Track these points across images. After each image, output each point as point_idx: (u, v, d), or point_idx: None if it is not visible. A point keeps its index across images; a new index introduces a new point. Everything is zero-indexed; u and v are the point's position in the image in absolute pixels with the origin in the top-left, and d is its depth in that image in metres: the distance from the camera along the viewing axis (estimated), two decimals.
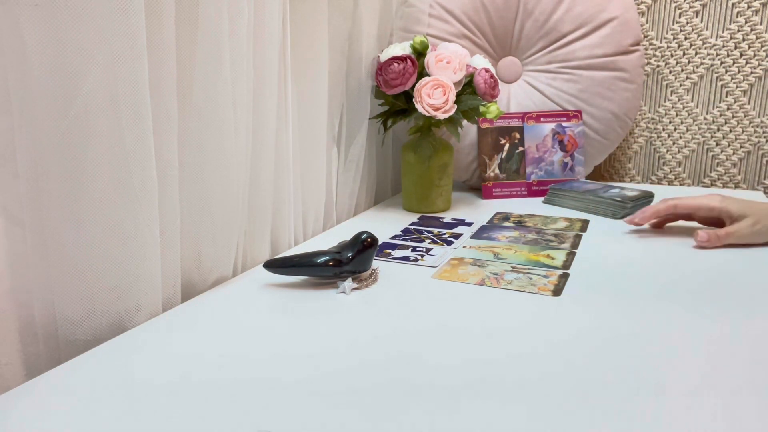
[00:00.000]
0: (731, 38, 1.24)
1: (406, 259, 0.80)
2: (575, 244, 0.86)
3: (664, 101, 1.32)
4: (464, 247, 0.85)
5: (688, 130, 1.31)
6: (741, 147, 1.28)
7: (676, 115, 1.32)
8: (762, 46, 1.22)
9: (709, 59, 1.26)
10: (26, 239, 0.54)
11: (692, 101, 1.30)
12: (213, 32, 0.65)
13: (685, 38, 1.27)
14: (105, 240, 0.56)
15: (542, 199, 1.15)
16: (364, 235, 0.69)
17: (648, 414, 0.44)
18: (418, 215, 1.05)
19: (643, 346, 0.54)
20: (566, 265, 0.77)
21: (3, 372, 0.53)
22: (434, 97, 0.94)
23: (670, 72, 1.30)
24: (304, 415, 0.44)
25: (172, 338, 0.57)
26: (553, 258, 0.80)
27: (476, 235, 0.91)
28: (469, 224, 0.98)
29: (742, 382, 0.48)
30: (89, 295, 0.56)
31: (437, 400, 0.46)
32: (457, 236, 0.91)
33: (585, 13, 1.18)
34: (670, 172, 1.35)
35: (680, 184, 1.34)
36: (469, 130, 1.19)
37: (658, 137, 1.34)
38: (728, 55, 1.25)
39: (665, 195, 1.14)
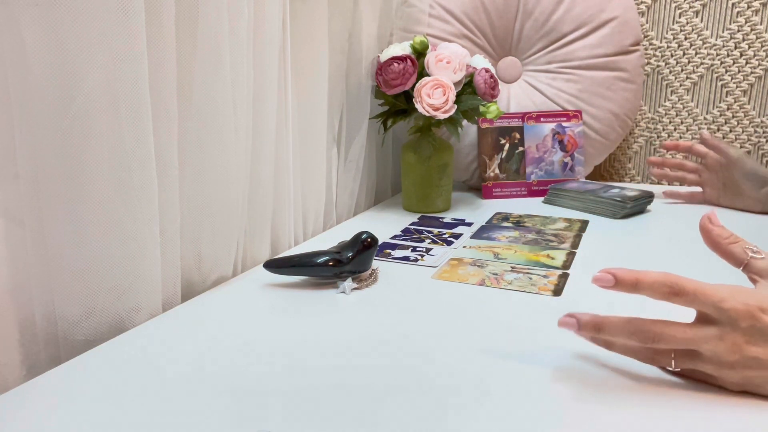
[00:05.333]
0: (731, 38, 1.24)
1: (406, 259, 0.80)
2: (575, 244, 0.86)
3: (664, 101, 1.32)
4: (464, 247, 0.85)
5: (688, 130, 1.31)
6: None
7: (676, 115, 1.32)
8: (762, 46, 1.22)
9: (709, 59, 1.26)
10: (26, 239, 0.54)
11: (692, 101, 1.30)
12: (213, 32, 0.65)
13: (685, 38, 1.27)
14: (105, 240, 0.56)
15: (542, 199, 1.15)
16: (364, 235, 0.69)
17: (648, 414, 0.44)
18: (418, 215, 1.05)
19: None
20: (566, 265, 0.77)
21: (3, 372, 0.53)
22: (434, 97, 0.94)
23: (670, 72, 1.30)
24: (304, 415, 0.44)
25: (172, 338, 0.57)
26: (553, 258, 0.80)
27: (476, 235, 0.91)
28: (469, 224, 0.98)
29: None
30: (89, 295, 0.56)
31: (437, 400, 0.46)
32: (457, 236, 0.91)
33: (585, 13, 1.18)
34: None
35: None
36: (469, 130, 1.19)
37: (658, 137, 1.34)
38: (728, 55, 1.25)
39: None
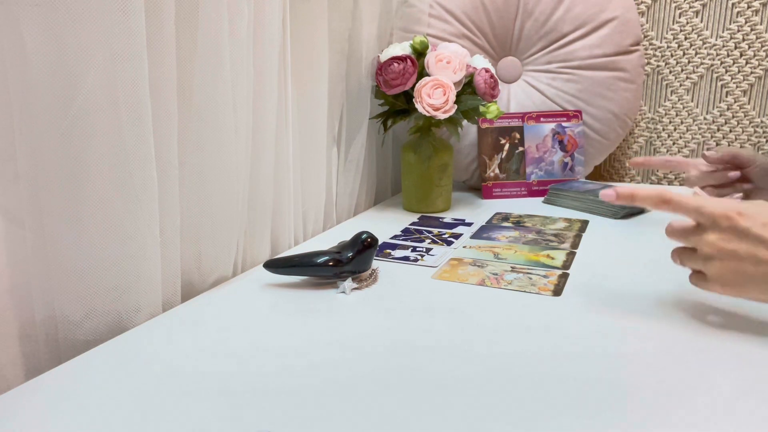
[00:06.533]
0: (731, 38, 1.24)
1: (406, 259, 0.80)
2: (575, 244, 0.86)
3: (664, 101, 1.32)
4: (464, 247, 0.85)
5: (688, 130, 1.31)
6: (741, 147, 1.28)
7: (676, 115, 1.32)
8: (762, 46, 1.22)
9: (709, 59, 1.26)
10: (26, 239, 0.54)
11: (692, 101, 1.30)
12: (213, 32, 0.65)
13: (685, 38, 1.27)
14: (105, 240, 0.56)
15: (542, 199, 1.15)
16: (364, 235, 0.69)
17: (647, 415, 0.44)
18: (418, 215, 1.05)
19: (644, 347, 0.54)
20: (566, 265, 0.77)
21: (3, 372, 0.53)
22: (434, 97, 0.94)
23: (670, 72, 1.30)
24: (304, 415, 0.44)
25: (172, 338, 0.57)
26: (553, 258, 0.80)
27: (476, 235, 0.91)
28: (469, 224, 0.98)
29: (743, 384, 0.48)
30: (89, 295, 0.56)
31: (437, 400, 0.46)
32: (457, 236, 0.91)
33: (585, 13, 1.18)
34: (671, 172, 1.35)
35: (680, 184, 1.34)
36: (469, 130, 1.19)
37: (658, 137, 1.34)
38: (728, 55, 1.25)
39: None
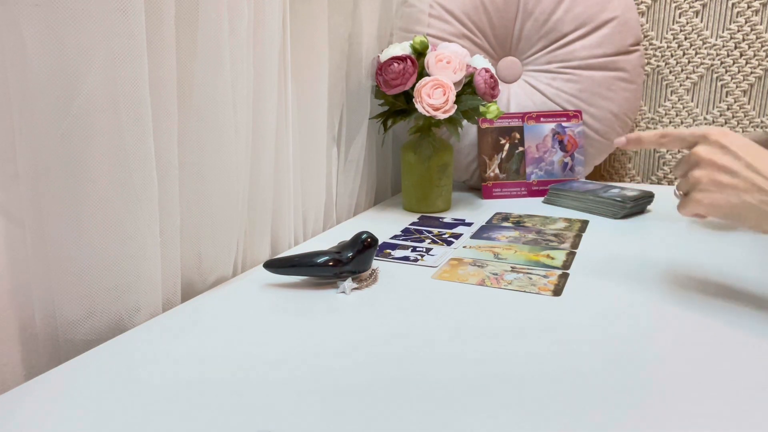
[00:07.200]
0: (731, 38, 1.24)
1: (406, 259, 0.80)
2: (575, 244, 0.86)
3: (664, 101, 1.32)
4: (464, 247, 0.85)
5: None
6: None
7: (676, 115, 1.32)
8: (762, 46, 1.22)
9: (709, 59, 1.26)
10: (26, 239, 0.54)
11: (692, 101, 1.30)
12: (213, 32, 0.65)
13: (685, 38, 1.27)
14: (105, 240, 0.56)
15: (542, 199, 1.15)
16: (364, 235, 0.69)
17: (648, 415, 0.44)
18: (418, 215, 1.05)
19: (644, 347, 0.54)
20: (566, 265, 0.77)
21: (3, 372, 0.53)
22: (434, 97, 0.94)
23: (670, 72, 1.30)
24: (304, 415, 0.44)
25: (171, 338, 0.57)
26: (553, 258, 0.80)
27: (476, 236, 0.91)
28: (469, 224, 0.98)
29: (745, 383, 0.48)
30: (89, 295, 0.56)
31: (437, 401, 0.46)
32: (457, 236, 0.91)
33: (585, 13, 1.18)
34: (670, 172, 1.34)
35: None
36: (469, 130, 1.19)
37: None
38: (728, 55, 1.25)
39: (665, 195, 1.14)
